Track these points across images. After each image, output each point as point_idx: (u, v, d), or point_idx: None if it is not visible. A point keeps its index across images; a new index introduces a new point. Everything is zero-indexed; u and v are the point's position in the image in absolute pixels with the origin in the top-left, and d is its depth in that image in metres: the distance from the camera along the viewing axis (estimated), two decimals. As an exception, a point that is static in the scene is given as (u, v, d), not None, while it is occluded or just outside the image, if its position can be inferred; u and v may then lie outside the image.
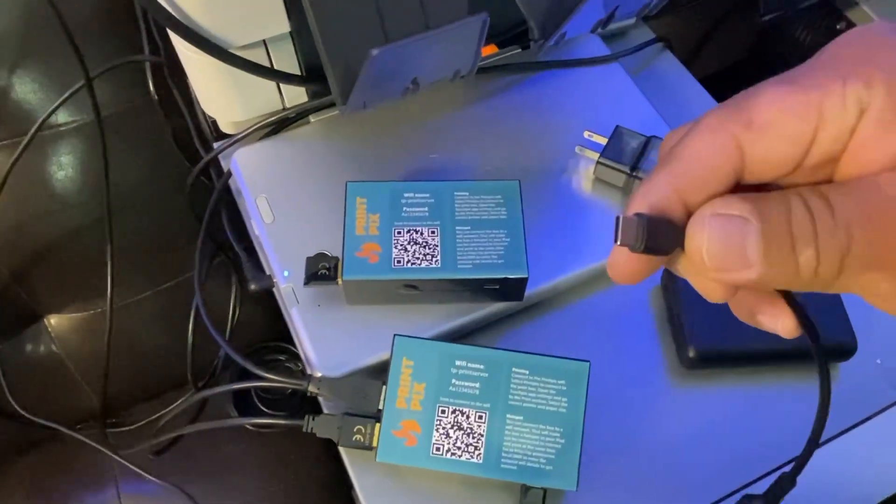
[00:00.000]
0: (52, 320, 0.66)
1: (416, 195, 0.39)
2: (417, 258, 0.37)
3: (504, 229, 0.38)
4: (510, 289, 0.38)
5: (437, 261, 0.37)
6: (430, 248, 0.37)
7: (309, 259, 0.38)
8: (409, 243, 0.37)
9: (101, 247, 0.58)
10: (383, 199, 0.38)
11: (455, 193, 0.39)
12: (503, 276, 0.37)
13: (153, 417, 0.63)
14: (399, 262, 0.37)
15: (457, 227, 0.38)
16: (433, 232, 0.38)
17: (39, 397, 0.65)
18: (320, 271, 0.38)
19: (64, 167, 0.59)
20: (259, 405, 0.67)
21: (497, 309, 0.40)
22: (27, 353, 0.66)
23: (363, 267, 0.37)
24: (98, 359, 0.63)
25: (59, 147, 0.59)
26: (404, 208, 0.38)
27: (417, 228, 0.38)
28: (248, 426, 0.65)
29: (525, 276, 0.37)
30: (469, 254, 0.37)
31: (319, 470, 0.66)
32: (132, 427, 0.66)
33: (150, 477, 0.56)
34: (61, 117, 0.57)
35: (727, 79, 0.61)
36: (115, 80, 0.57)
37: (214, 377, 0.64)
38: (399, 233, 0.38)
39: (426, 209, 0.38)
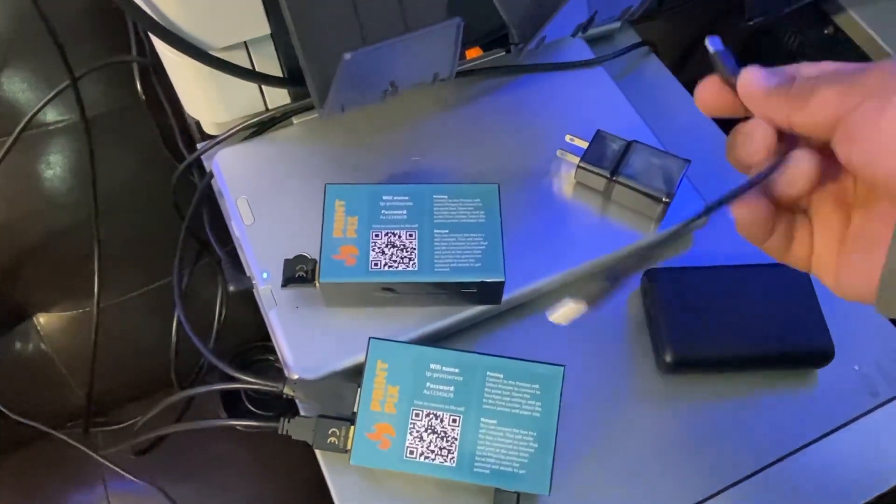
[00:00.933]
0: (42, 319, 0.66)
1: (395, 198, 0.39)
2: (394, 261, 0.37)
3: (482, 233, 0.38)
4: (487, 292, 0.38)
5: (413, 264, 0.37)
6: (407, 252, 0.37)
7: (287, 261, 0.38)
8: (386, 246, 0.37)
9: (90, 246, 0.58)
10: (362, 202, 0.39)
11: (434, 196, 0.39)
12: (480, 280, 0.37)
13: (135, 420, 0.64)
14: (376, 264, 0.37)
15: (435, 231, 0.38)
16: (411, 235, 0.38)
17: (28, 396, 0.66)
18: (298, 273, 0.38)
19: (53, 166, 0.59)
20: (248, 405, 0.67)
21: (475, 312, 0.40)
22: (16, 351, 0.66)
23: (340, 269, 0.37)
24: (87, 358, 0.63)
25: (48, 146, 0.59)
26: (383, 211, 0.38)
27: (395, 231, 0.38)
28: (237, 426, 0.66)
29: (502, 279, 0.37)
30: (446, 257, 0.37)
31: (307, 471, 0.65)
32: (119, 426, 0.66)
33: (131, 477, 0.56)
34: (50, 116, 0.57)
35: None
36: (104, 81, 0.57)
37: (200, 377, 0.64)
38: (377, 236, 0.38)
39: (405, 212, 0.38)
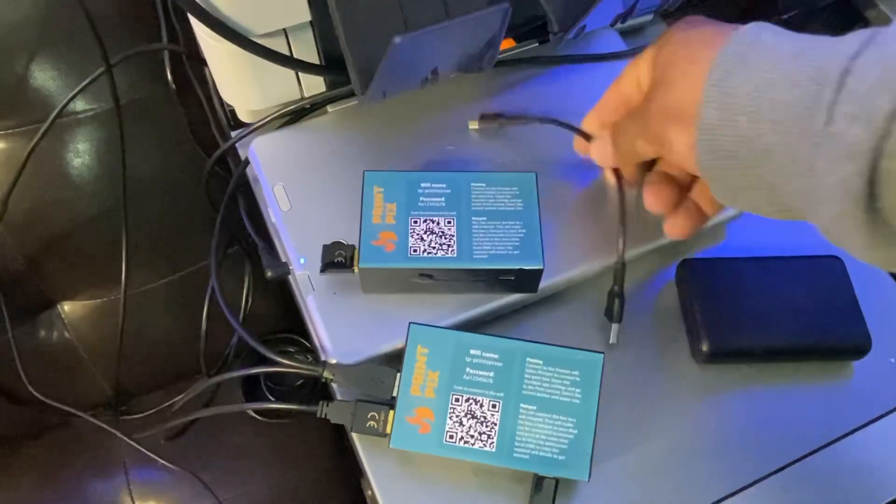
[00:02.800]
0: (66, 307, 0.66)
1: (433, 185, 0.39)
2: (433, 248, 0.37)
3: (520, 220, 0.38)
4: (525, 280, 0.38)
5: (452, 250, 0.37)
6: (446, 238, 0.37)
7: (325, 247, 0.38)
8: (425, 233, 0.38)
9: (116, 235, 0.59)
10: (400, 189, 0.39)
11: (472, 184, 0.39)
12: (518, 267, 0.37)
13: (166, 405, 0.64)
14: (415, 251, 0.37)
15: (473, 218, 0.38)
16: (449, 222, 0.38)
17: (50, 383, 0.66)
18: (336, 259, 0.38)
19: (81, 154, 0.60)
20: (267, 395, 0.67)
21: (512, 300, 0.40)
22: (40, 338, 0.66)
23: (379, 255, 0.37)
24: (109, 346, 0.63)
25: (76, 134, 0.59)
26: (421, 198, 0.38)
27: (434, 218, 0.38)
28: (257, 416, 0.66)
29: (540, 267, 0.37)
30: (485, 244, 0.37)
31: (326, 461, 0.66)
32: (140, 415, 0.66)
33: (163, 461, 0.56)
34: (79, 105, 0.58)
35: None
36: (133, 69, 0.57)
37: (226, 365, 0.64)
38: (415, 222, 0.38)
39: (443, 199, 0.38)
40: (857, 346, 0.39)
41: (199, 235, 0.65)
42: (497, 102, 0.45)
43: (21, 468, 0.67)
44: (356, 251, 0.38)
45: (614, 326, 0.39)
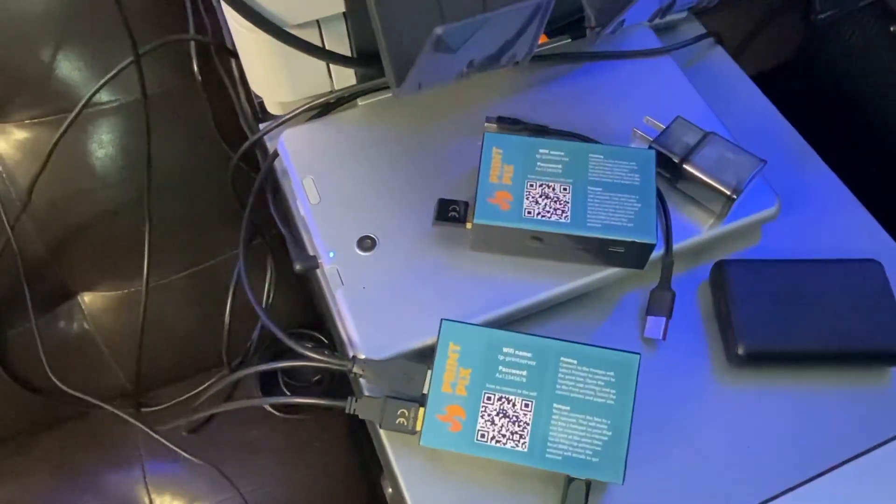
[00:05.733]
0: (87, 298, 0.66)
1: (552, 152, 0.39)
2: (548, 211, 0.37)
3: (636, 195, 0.38)
4: (635, 254, 0.38)
5: (566, 216, 0.37)
6: (560, 204, 0.38)
7: (441, 200, 0.39)
8: (540, 196, 0.38)
9: (138, 226, 0.59)
10: (518, 152, 0.39)
11: (590, 155, 0.39)
12: (631, 240, 0.37)
13: (186, 396, 0.64)
14: (529, 212, 0.37)
15: (589, 188, 0.38)
16: (565, 189, 0.38)
17: (70, 374, 0.66)
18: (451, 214, 0.38)
19: (104, 146, 0.60)
20: (284, 391, 0.67)
21: (545, 297, 0.39)
22: (60, 329, 0.66)
23: (494, 213, 0.37)
24: (129, 338, 0.63)
25: (100, 126, 0.59)
26: (538, 163, 0.39)
27: (550, 184, 0.38)
28: (274, 411, 0.65)
29: (653, 241, 0.37)
30: (599, 214, 0.37)
31: (343, 458, 0.66)
32: (159, 407, 0.66)
33: (185, 454, 0.56)
34: (104, 96, 0.58)
35: (777, 77, 0.60)
36: (157, 61, 0.57)
37: (247, 359, 0.64)
38: (532, 185, 0.38)
39: (560, 167, 0.39)
40: (894, 351, 0.38)
41: (221, 229, 0.65)
42: (529, 98, 0.45)
43: (38, 458, 0.67)
44: (471, 207, 0.38)
45: (662, 321, 0.39)
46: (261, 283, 0.63)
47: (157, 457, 0.64)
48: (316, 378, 0.66)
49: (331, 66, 0.42)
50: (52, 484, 0.66)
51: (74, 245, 0.63)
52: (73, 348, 0.67)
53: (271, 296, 0.61)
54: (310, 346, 0.68)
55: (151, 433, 0.58)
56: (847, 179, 0.45)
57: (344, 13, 0.39)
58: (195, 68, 0.57)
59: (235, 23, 0.39)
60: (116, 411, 0.60)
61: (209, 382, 0.49)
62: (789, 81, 0.59)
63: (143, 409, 0.65)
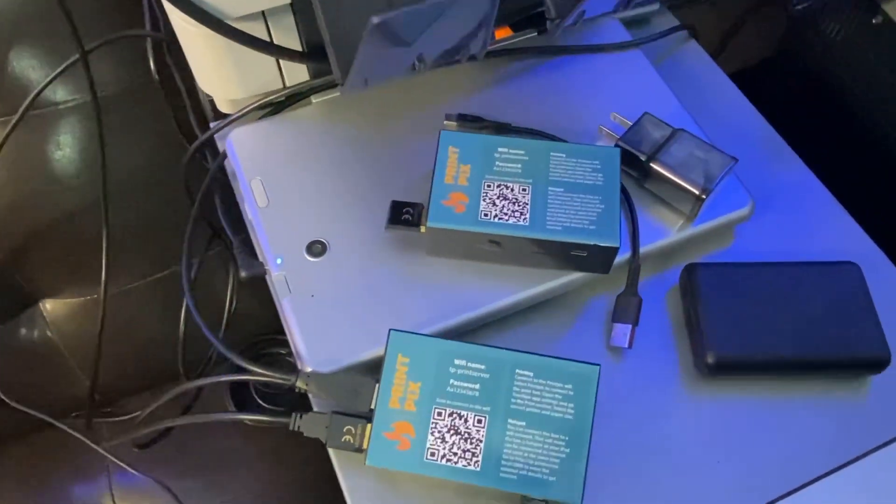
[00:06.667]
0: (48, 305, 0.64)
1: (511, 151, 0.37)
2: (506, 214, 0.35)
3: (599, 195, 0.36)
4: (597, 258, 0.36)
5: (525, 219, 0.35)
6: (519, 206, 0.36)
7: (394, 202, 0.37)
8: (498, 198, 0.36)
9: (98, 231, 0.56)
10: (476, 151, 0.37)
11: (551, 154, 0.37)
12: (593, 243, 0.35)
13: (136, 414, 0.61)
14: (486, 215, 0.35)
15: (549, 188, 0.36)
16: (524, 189, 0.36)
17: (33, 383, 0.64)
18: (404, 217, 0.36)
19: (62, 147, 0.58)
20: (257, 399, 0.65)
21: (498, 307, 0.37)
22: (22, 337, 0.64)
23: (448, 215, 0.35)
24: (92, 346, 0.61)
25: (57, 126, 0.57)
26: (497, 163, 0.37)
27: (508, 184, 0.36)
28: (245, 420, 0.63)
29: (616, 245, 0.35)
30: (560, 216, 0.35)
31: (316, 467, 0.64)
32: (123, 418, 0.64)
33: (132, 470, 0.54)
34: (60, 95, 0.56)
35: (757, 73, 0.58)
36: (116, 59, 0.55)
37: (209, 369, 0.62)
38: (489, 186, 0.36)
39: (519, 166, 0.37)
40: (874, 358, 0.36)
41: (184, 233, 0.63)
42: (492, 95, 0.43)
43: (3, 470, 0.65)
44: (425, 210, 0.36)
45: (627, 328, 0.37)
46: (224, 290, 0.61)
47: (122, 469, 0.63)
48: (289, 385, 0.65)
49: (280, 61, 0.40)
50: (19, 496, 0.64)
51: (34, 250, 0.61)
52: (36, 357, 0.65)
53: (233, 303, 0.59)
54: (284, 352, 0.66)
55: (98, 449, 0.56)
56: (825, 178, 0.43)
57: (291, 4, 0.36)
58: (152, 66, 0.55)
59: (176, 17, 0.37)
60: (63, 427, 0.59)
61: (165, 396, 0.47)
62: (769, 77, 0.57)
63: (105, 420, 0.63)
